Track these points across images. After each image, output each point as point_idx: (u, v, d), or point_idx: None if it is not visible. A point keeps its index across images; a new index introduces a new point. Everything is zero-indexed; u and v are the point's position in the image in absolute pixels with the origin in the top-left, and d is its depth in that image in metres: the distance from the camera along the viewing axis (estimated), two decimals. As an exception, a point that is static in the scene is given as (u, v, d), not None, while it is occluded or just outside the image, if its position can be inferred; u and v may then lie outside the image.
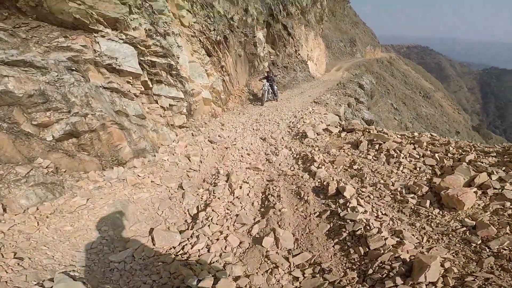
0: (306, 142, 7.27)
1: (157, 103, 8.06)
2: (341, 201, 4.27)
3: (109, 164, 5.53)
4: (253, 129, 8.92)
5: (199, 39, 10.30)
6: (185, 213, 4.80)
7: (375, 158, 5.58)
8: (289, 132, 8.49)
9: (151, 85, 7.58)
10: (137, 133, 6.10)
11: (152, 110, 7.61)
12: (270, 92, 13.40)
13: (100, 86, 5.62)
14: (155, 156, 6.46)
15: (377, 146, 5.92)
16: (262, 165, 6.37)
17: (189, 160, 6.48)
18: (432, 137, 5.95)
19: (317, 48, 30.61)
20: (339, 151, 6.34)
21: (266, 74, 13.69)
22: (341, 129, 7.49)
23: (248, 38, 15.01)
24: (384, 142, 5.94)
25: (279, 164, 6.39)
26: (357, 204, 4.06)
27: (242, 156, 6.91)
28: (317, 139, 7.30)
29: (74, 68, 5.11)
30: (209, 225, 4.21)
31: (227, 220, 4.38)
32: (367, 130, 6.90)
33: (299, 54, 22.97)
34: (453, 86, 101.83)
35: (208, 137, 7.98)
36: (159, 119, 7.77)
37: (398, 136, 6.23)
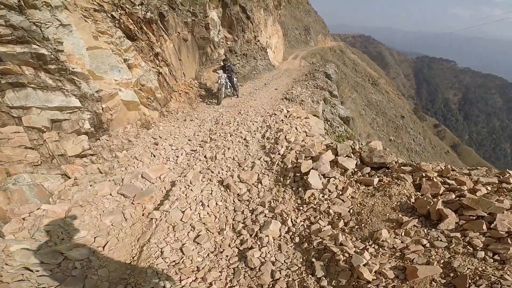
0: (309, 200, 3.69)
1: (21, 122, 4.11)
2: None
3: None
4: (204, 157, 5.12)
5: (111, 14, 6.17)
6: None
7: (500, 261, 2.33)
8: (267, 163, 4.80)
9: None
10: None
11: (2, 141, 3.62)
12: (228, 86, 9.72)
13: None
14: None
15: (484, 225, 2.61)
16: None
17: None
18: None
19: (275, 35, 27.14)
20: (394, 232, 2.87)
21: (222, 63, 9.91)
22: (358, 160, 4.20)
23: (197, 19, 10.93)
24: (489, 213, 2.67)
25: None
26: None
27: (183, 255, 3.05)
28: (330, 192, 3.64)
29: None
30: None
31: None
32: (424, 175, 3.44)
33: (258, 41, 19.41)
34: (392, 73, 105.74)
35: (122, 180, 4.16)
36: (18, 156, 3.81)
37: (487, 186, 3.09)
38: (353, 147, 4.35)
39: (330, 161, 4.08)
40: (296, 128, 6.08)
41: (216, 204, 3.84)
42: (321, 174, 3.87)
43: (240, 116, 7.28)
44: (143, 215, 3.63)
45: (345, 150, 4.21)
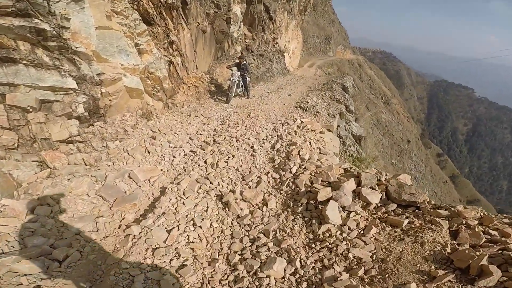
0: (324, 236, 3.04)
1: (4, 100, 3.61)
2: None
3: None
4: (205, 162, 4.55)
5: (132, -6, 5.68)
6: None
7: None
8: (275, 180, 4.18)
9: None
10: None
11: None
12: (240, 85, 9.15)
13: None
14: None
15: None
16: None
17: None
18: None
19: (295, 40, 26.51)
20: (424, 287, 2.33)
21: (238, 61, 9.35)
22: (383, 194, 3.58)
23: (220, 11, 10.41)
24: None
25: None
26: None
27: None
28: (350, 230, 3.04)
29: None
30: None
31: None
32: (464, 222, 2.90)
33: (276, 43, 18.83)
34: (406, 94, 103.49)
35: (105, 178, 3.61)
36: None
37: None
38: (378, 178, 3.75)
39: (352, 191, 3.49)
40: (310, 143, 5.50)
41: (211, 225, 3.25)
42: (341, 207, 3.27)
43: (249, 120, 6.71)
44: (119, 227, 3.07)
45: (370, 181, 3.62)
